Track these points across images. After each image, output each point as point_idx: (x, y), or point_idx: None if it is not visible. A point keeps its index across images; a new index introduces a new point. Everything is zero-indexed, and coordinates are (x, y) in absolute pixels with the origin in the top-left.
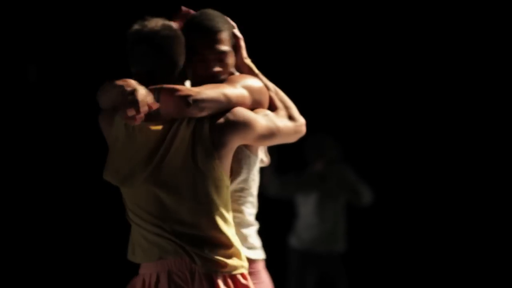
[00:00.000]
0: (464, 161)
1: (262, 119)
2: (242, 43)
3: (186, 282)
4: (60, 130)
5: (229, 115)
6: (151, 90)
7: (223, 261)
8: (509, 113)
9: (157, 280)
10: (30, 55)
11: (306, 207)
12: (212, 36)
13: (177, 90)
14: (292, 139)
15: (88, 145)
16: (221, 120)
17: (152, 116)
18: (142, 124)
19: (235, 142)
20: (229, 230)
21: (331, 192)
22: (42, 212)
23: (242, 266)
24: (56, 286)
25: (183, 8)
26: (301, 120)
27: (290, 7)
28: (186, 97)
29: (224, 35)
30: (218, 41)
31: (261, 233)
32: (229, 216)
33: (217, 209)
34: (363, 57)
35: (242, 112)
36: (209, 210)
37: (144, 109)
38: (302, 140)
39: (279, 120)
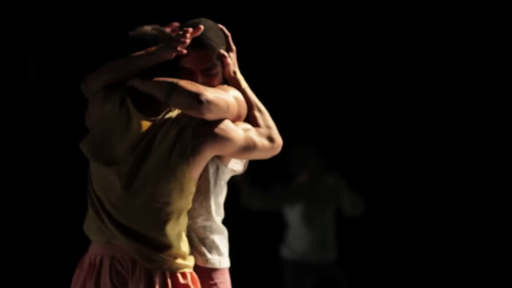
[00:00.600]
0: (455, 168)
1: (242, 134)
2: (233, 56)
3: (126, 271)
4: (60, 130)
5: (214, 127)
6: (166, 82)
7: (165, 259)
8: (497, 116)
9: (100, 263)
10: (30, 55)
11: (294, 218)
12: (201, 51)
13: (194, 85)
14: (266, 156)
15: None
16: (205, 129)
17: (154, 105)
18: (137, 112)
19: (212, 153)
20: (176, 233)
21: (318, 201)
22: (42, 212)
23: (186, 266)
24: (56, 286)
25: (174, 24)
26: (278, 141)
27: (269, 18)
28: (200, 95)
29: (213, 51)
30: (206, 57)
31: (253, 243)
32: (183, 221)
33: (171, 212)
34: (346, 63)
35: (227, 126)
36: (162, 210)
37: (189, 33)
38: (284, 152)
39: (258, 138)
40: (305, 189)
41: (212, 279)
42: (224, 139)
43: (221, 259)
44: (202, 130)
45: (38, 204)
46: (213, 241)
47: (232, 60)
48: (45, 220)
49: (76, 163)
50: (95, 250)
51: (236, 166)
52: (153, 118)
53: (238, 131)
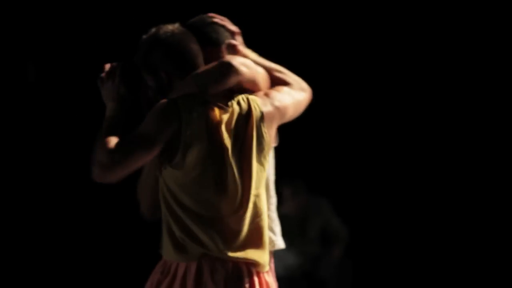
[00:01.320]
0: (453, 173)
1: (289, 97)
2: (239, 38)
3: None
4: (59, 130)
5: (272, 103)
6: (191, 76)
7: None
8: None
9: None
10: (29, 55)
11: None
12: (215, 48)
13: (213, 63)
14: (305, 107)
15: (88, 145)
16: (266, 109)
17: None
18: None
19: (276, 125)
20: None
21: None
22: (42, 211)
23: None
24: (55, 286)
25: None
26: (309, 89)
27: (255, 30)
28: (226, 63)
29: (223, 45)
30: (219, 53)
31: None
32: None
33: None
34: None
35: (278, 96)
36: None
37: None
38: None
39: (298, 93)
40: (294, 221)
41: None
42: (284, 108)
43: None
44: (265, 113)
45: (38, 204)
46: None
47: (240, 43)
48: (45, 219)
49: (75, 163)
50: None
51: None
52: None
53: (286, 95)
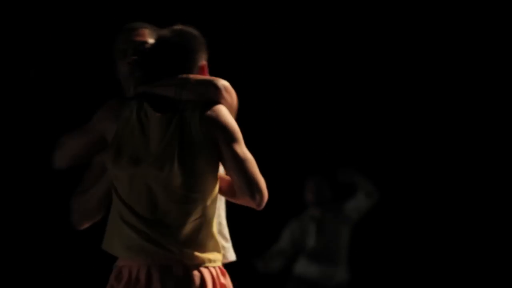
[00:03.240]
0: (457, 175)
1: (243, 149)
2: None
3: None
4: (60, 128)
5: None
6: (176, 79)
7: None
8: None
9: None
10: (31, 56)
11: (306, 246)
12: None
13: (202, 76)
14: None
15: None
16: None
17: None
18: (154, 113)
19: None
20: (209, 226)
21: (328, 233)
22: (42, 210)
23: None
24: (55, 286)
25: None
26: (264, 194)
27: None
28: (215, 81)
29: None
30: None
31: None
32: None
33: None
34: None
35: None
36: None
37: None
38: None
39: (253, 165)
40: (314, 223)
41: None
42: (234, 133)
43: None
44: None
45: (38, 203)
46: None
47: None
48: (45, 218)
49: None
50: (131, 263)
51: None
52: (169, 115)
53: (244, 148)
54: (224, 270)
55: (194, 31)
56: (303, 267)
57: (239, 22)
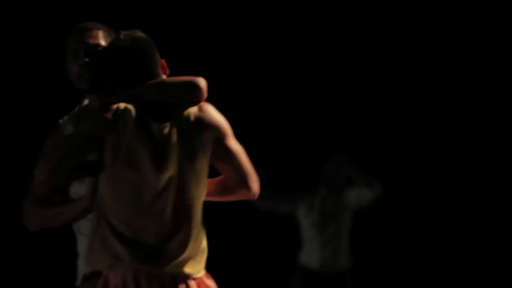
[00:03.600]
0: (459, 175)
1: (238, 146)
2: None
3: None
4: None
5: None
6: (152, 84)
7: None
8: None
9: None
10: (31, 56)
11: (309, 231)
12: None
13: (179, 77)
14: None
15: None
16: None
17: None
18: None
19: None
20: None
21: (330, 214)
22: None
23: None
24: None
25: None
26: (256, 187)
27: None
28: (195, 79)
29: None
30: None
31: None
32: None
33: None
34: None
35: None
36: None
37: None
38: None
39: (245, 160)
40: (318, 200)
41: None
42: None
43: None
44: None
45: None
46: None
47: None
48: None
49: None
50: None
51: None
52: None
53: (238, 146)
54: (208, 274)
55: (144, 35)
56: (306, 256)
57: (238, 21)
